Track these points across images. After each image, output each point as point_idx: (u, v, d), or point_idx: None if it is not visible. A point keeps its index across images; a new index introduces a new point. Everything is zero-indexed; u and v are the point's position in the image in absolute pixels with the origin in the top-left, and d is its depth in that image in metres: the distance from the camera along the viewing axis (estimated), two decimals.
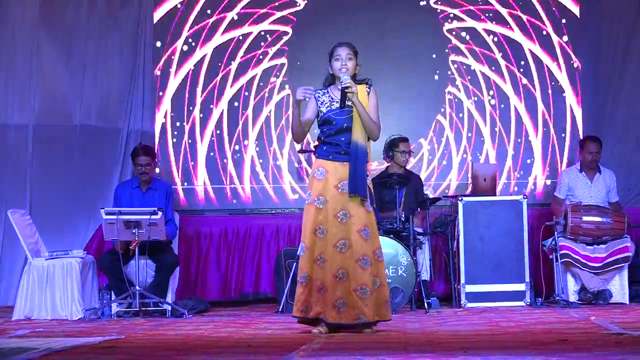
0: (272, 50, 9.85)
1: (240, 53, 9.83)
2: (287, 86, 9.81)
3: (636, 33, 9.81)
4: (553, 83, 9.79)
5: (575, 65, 9.76)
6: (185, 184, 9.73)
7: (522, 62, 9.83)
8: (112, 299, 8.24)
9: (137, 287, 7.95)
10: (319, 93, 6.36)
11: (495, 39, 9.84)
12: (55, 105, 9.71)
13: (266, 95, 9.82)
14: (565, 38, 9.77)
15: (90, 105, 9.70)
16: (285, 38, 9.86)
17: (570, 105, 9.78)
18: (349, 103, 6.22)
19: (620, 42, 9.80)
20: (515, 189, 9.70)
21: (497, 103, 9.83)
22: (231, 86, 9.84)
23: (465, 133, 9.82)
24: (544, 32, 9.81)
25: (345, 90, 6.18)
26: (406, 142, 8.94)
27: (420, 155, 9.77)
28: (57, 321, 7.88)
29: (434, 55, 9.85)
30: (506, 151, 9.81)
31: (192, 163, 9.75)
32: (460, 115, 9.83)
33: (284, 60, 9.86)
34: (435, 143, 9.81)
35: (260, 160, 9.78)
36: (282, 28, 9.86)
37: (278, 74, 9.84)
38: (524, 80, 9.81)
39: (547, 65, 9.80)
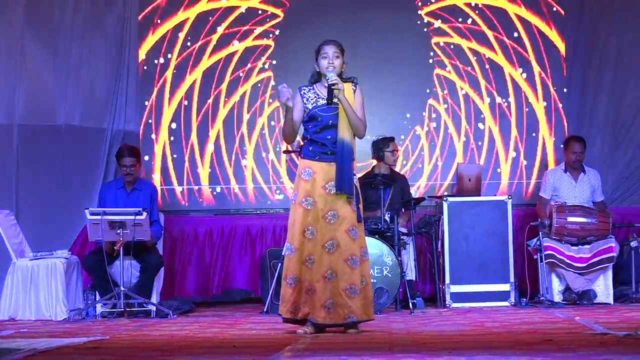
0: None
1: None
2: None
3: (614, 34, 9.83)
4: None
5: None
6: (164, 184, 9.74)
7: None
8: (97, 299, 8.22)
9: (122, 288, 7.93)
10: (305, 90, 6.35)
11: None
12: (39, 105, 9.66)
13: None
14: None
15: (74, 106, 9.66)
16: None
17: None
18: (336, 100, 6.21)
19: (599, 41, 9.82)
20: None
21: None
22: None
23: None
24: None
25: (332, 87, 6.16)
26: (394, 142, 8.96)
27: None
28: (42, 322, 7.86)
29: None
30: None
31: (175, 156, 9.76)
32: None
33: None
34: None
35: (248, 164, 9.80)
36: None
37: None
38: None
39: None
